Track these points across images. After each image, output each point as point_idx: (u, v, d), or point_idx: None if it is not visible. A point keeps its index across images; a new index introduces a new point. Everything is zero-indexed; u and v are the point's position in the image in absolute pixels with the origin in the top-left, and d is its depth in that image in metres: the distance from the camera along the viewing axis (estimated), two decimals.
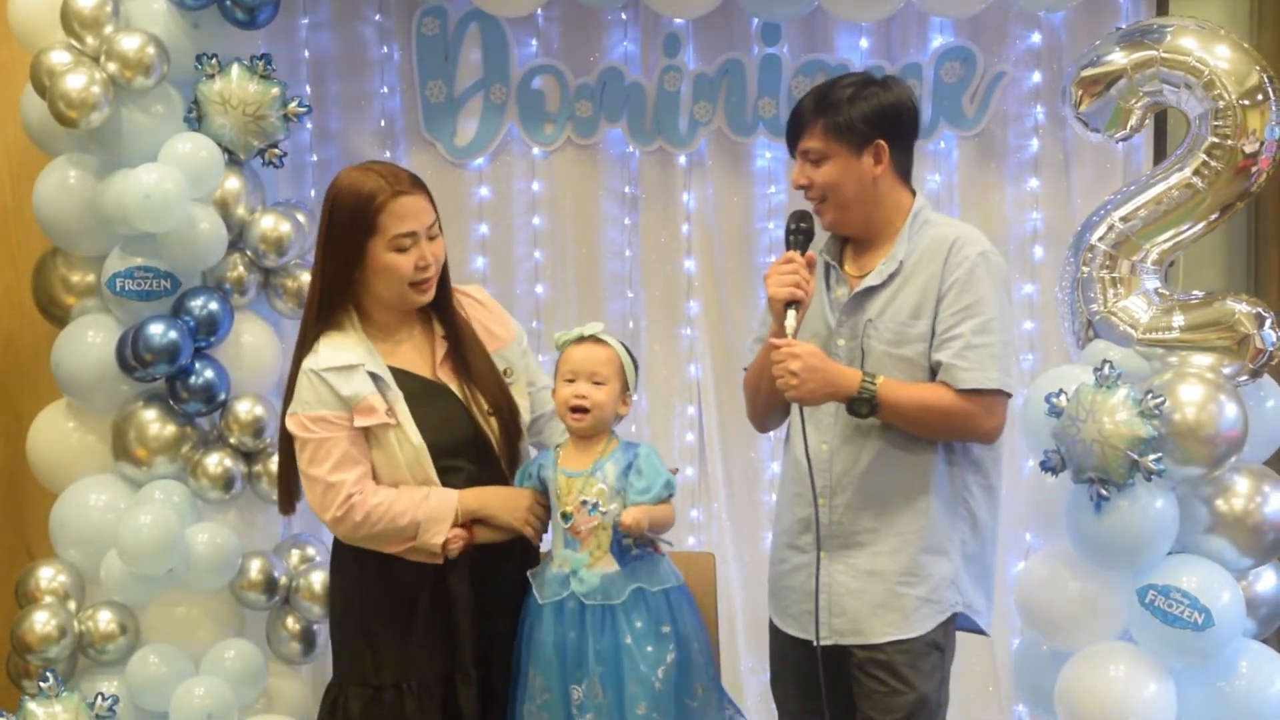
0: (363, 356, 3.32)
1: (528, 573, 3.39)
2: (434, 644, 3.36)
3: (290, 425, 3.33)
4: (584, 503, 3.28)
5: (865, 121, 3.34)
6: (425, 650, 3.36)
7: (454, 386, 3.40)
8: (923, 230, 3.41)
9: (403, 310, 3.39)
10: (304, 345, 3.37)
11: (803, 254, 3.30)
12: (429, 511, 3.28)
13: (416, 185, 3.33)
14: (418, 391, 3.36)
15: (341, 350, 3.32)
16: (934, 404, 3.29)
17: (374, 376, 3.30)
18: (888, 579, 3.37)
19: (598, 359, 3.36)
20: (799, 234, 3.35)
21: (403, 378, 3.36)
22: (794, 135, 3.41)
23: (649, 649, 3.28)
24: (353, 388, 3.27)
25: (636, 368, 3.47)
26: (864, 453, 3.36)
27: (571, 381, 3.35)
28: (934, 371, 3.33)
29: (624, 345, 3.44)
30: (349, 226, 3.27)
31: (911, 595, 3.37)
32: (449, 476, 3.34)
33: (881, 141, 3.35)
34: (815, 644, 3.37)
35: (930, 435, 3.34)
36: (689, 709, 3.34)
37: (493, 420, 3.40)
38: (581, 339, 3.39)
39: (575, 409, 3.34)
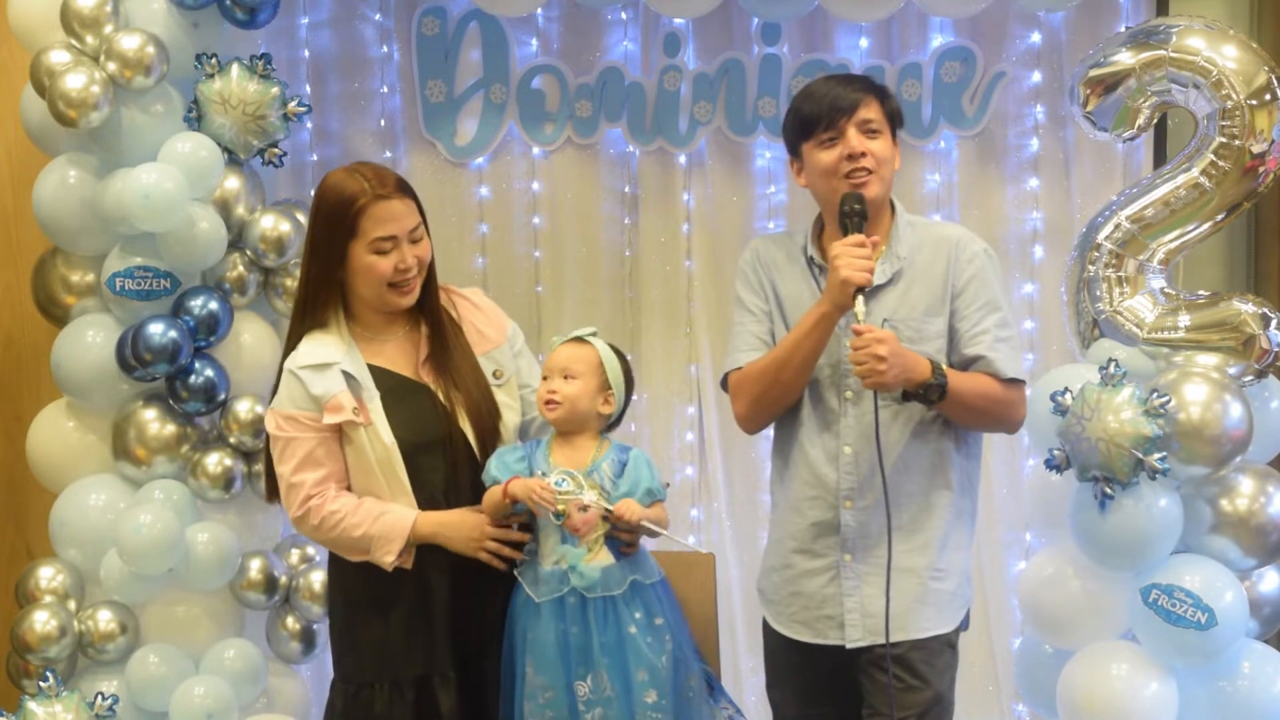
0: (340, 355, 3.38)
1: (514, 571, 3.39)
2: (410, 645, 3.40)
3: (266, 420, 3.43)
4: (584, 507, 3.29)
5: (899, 117, 3.46)
6: (400, 650, 3.40)
7: (434, 386, 3.44)
8: (911, 231, 3.46)
9: (388, 311, 3.44)
10: (290, 343, 3.45)
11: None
12: (381, 529, 3.31)
13: (400, 189, 3.38)
14: (395, 389, 3.41)
15: (321, 348, 3.39)
16: (989, 392, 3.37)
17: (348, 376, 3.35)
18: (921, 575, 3.40)
19: (573, 356, 3.42)
20: (856, 215, 3.33)
21: (381, 376, 3.41)
22: (851, 104, 3.37)
23: (650, 639, 3.31)
24: (324, 385, 3.34)
25: (628, 372, 3.49)
26: (887, 452, 3.36)
27: (546, 379, 3.41)
28: (959, 368, 3.38)
29: (612, 347, 3.48)
30: (330, 229, 3.35)
31: (944, 590, 3.42)
32: (423, 476, 3.38)
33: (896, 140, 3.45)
34: (847, 646, 3.40)
35: (975, 424, 3.43)
36: (687, 699, 3.37)
37: (470, 421, 3.42)
38: (568, 339, 3.45)
39: (546, 402, 3.39)
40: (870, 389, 3.27)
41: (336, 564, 3.48)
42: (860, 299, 3.23)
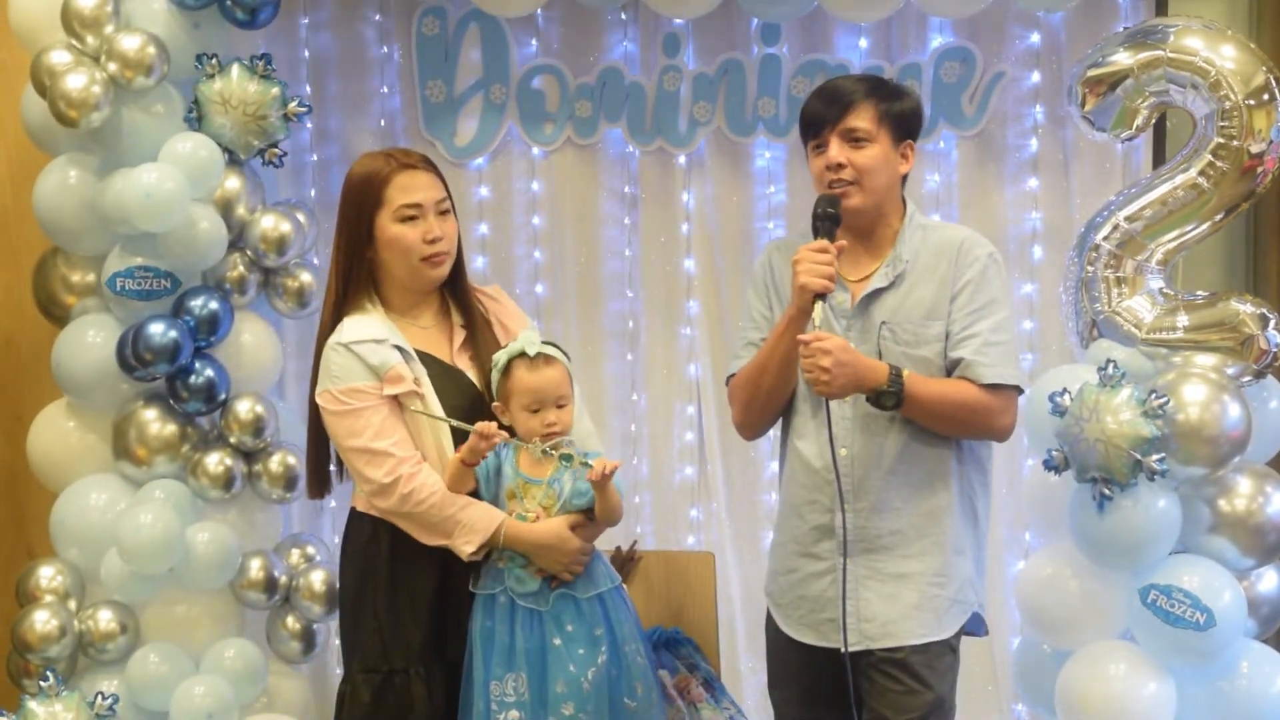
0: (387, 333, 3.41)
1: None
2: (444, 631, 3.43)
3: (322, 401, 3.41)
4: (543, 509, 3.35)
5: (913, 118, 3.42)
6: (435, 636, 3.43)
7: (470, 374, 3.49)
8: (919, 233, 3.43)
9: (420, 294, 3.49)
10: (327, 328, 3.46)
11: (831, 241, 3.27)
12: (469, 518, 3.34)
13: (425, 163, 3.46)
14: (438, 373, 3.45)
15: (367, 326, 3.41)
16: (957, 398, 3.31)
17: (400, 350, 3.38)
18: (918, 581, 3.38)
19: (556, 380, 3.39)
20: (828, 220, 3.31)
21: (423, 358, 3.44)
22: (836, 113, 3.35)
23: (580, 651, 3.32)
24: (381, 357, 3.36)
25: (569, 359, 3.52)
26: (884, 455, 3.36)
27: (538, 411, 3.37)
28: (948, 370, 3.35)
29: (559, 346, 3.47)
30: (358, 203, 3.42)
31: (943, 596, 3.39)
32: None
33: (911, 143, 3.41)
34: (844, 651, 3.36)
35: (949, 431, 3.36)
36: (627, 709, 3.36)
37: (496, 410, 3.45)
38: (526, 356, 3.39)
39: (547, 437, 3.36)
40: (821, 396, 3.26)
41: (360, 554, 3.49)
42: (819, 305, 3.21)
